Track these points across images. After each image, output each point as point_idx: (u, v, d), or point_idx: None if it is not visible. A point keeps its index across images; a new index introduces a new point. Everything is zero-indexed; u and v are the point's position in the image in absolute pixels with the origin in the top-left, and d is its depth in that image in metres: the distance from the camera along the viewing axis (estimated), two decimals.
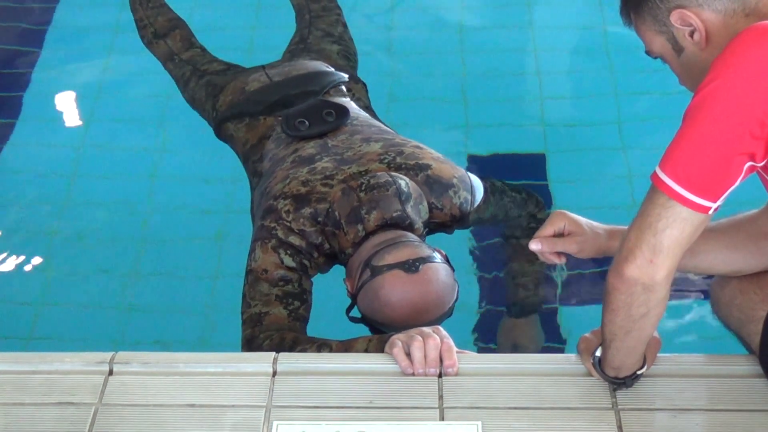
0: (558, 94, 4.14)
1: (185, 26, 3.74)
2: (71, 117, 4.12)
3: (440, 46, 4.36)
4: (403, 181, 2.74)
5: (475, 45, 4.35)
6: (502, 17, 4.52)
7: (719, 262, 2.33)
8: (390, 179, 2.74)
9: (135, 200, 3.73)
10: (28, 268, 3.50)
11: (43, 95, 4.23)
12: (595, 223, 2.43)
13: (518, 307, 3.04)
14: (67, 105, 4.16)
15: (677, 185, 1.94)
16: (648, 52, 2.18)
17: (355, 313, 2.68)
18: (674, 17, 2.06)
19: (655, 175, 1.98)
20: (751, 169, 1.97)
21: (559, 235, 2.42)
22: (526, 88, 4.16)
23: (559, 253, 2.43)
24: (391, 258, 2.58)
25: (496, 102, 4.07)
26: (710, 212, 1.97)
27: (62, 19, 4.61)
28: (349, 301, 2.69)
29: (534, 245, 2.41)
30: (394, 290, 2.55)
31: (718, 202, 1.96)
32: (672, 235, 1.96)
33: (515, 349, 3.00)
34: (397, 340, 2.35)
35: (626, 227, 2.06)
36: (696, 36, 2.05)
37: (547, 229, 2.42)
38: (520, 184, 3.27)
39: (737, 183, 1.96)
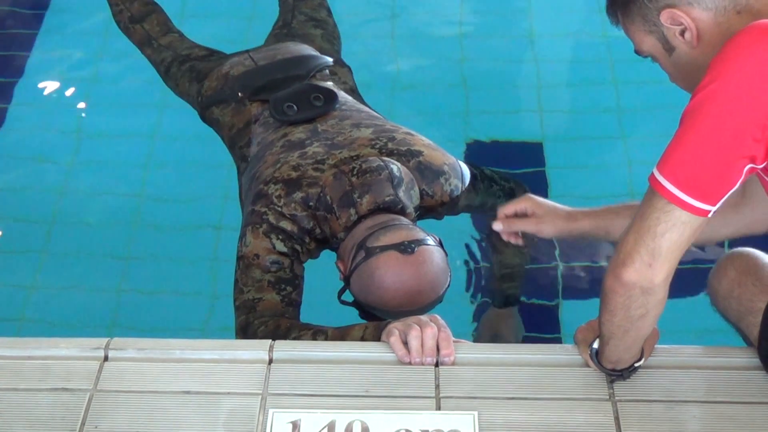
0: (556, 82, 4.14)
1: (161, 11, 3.68)
2: (67, 103, 4.09)
3: (440, 34, 4.35)
4: (395, 166, 2.73)
5: (475, 32, 4.35)
6: (502, 4, 4.52)
7: None
8: (382, 164, 2.72)
9: (130, 186, 3.71)
10: (22, 251, 3.48)
11: (38, 80, 4.19)
12: (560, 206, 2.56)
13: (501, 297, 3.05)
14: (62, 90, 4.13)
15: (677, 189, 1.91)
16: (637, 52, 2.15)
17: (347, 296, 2.65)
18: (664, 17, 2.03)
19: (653, 178, 1.95)
20: (751, 171, 1.94)
21: (523, 216, 2.59)
22: (525, 75, 4.17)
23: (519, 235, 2.65)
24: (386, 239, 2.56)
25: (496, 89, 4.07)
26: (709, 215, 1.95)
27: (57, 5, 4.57)
28: (341, 286, 2.67)
29: (495, 225, 2.62)
30: (389, 271, 2.53)
31: (718, 205, 1.94)
32: (671, 239, 1.94)
33: (494, 339, 3.01)
34: (394, 328, 2.34)
35: (590, 209, 2.07)
36: (687, 35, 2.03)
37: (508, 208, 2.60)
38: (513, 172, 3.28)
39: (737, 186, 1.94)
